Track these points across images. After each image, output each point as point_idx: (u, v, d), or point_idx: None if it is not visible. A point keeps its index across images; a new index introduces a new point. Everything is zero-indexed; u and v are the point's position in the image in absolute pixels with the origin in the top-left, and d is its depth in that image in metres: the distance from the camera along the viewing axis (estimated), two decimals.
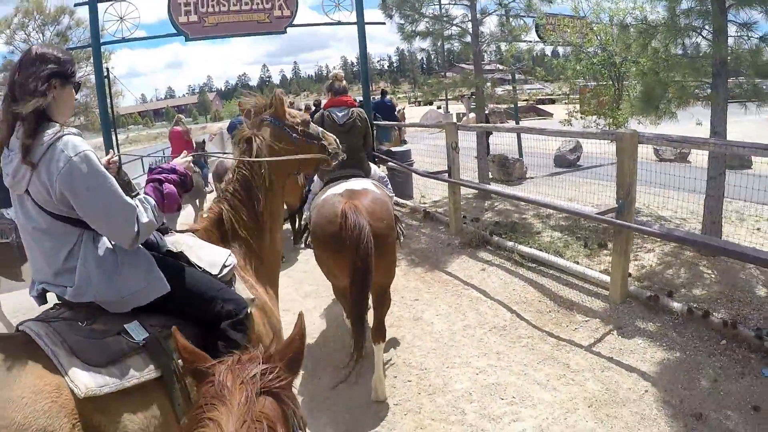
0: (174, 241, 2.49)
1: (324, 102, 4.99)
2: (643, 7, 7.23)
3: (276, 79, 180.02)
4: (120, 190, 2.08)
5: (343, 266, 3.79)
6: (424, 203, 10.16)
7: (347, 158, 3.74)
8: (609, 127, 7.84)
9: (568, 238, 7.12)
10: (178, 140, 11.91)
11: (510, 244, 6.86)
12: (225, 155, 5.15)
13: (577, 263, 6.14)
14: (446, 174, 7.93)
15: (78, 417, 1.78)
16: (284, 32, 10.45)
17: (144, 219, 2.13)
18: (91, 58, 10.11)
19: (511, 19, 10.27)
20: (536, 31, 11.92)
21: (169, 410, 2.04)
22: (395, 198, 10.27)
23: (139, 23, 9.45)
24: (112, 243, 2.14)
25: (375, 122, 12.20)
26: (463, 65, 31.50)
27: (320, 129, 3.36)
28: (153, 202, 2.27)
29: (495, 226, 7.86)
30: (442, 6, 10.08)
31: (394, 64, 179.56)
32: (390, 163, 10.40)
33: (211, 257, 2.51)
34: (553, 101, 44.87)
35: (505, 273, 6.26)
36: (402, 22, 9.99)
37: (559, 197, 8.50)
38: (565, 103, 42.89)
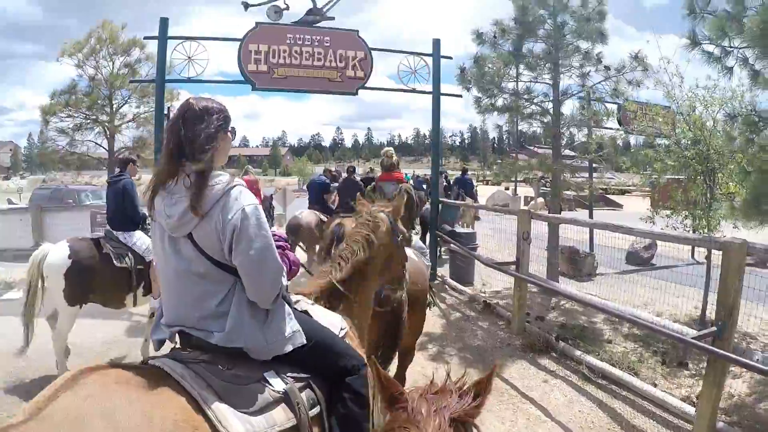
0: (296, 301, 2.55)
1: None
2: (743, 96, 6.65)
3: (348, 143, 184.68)
4: (275, 249, 2.21)
5: (380, 321, 3.81)
6: (485, 292, 9.56)
7: None
8: (698, 230, 7.12)
9: (643, 352, 6.39)
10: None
11: (578, 353, 6.17)
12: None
13: (655, 385, 5.40)
14: (513, 266, 7.38)
15: None
16: (356, 93, 10.29)
17: (285, 281, 2.27)
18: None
19: (593, 104, 9.86)
20: (617, 118, 11.43)
21: None
22: (455, 284, 9.81)
23: (206, 65, 9.36)
24: None
25: (442, 200, 11.84)
26: (535, 148, 31.12)
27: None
28: (284, 267, 2.32)
29: (561, 329, 7.19)
30: (523, 82, 9.77)
31: (466, 141, 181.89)
32: (452, 246, 9.95)
33: (328, 319, 2.60)
34: (623, 192, 43.63)
35: (570, 388, 5.56)
36: (479, 95, 9.73)
37: (633, 301, 7.79)
38: (637, 195, 41.63)
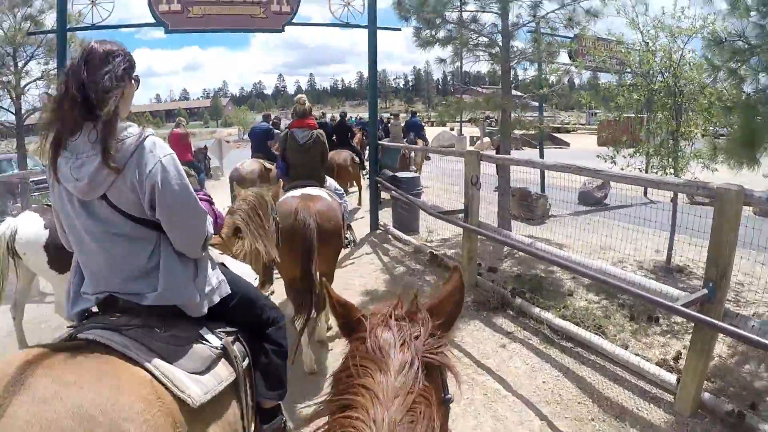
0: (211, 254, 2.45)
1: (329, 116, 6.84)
2: (714, 25, 5.87)
3: (291, 90, 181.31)
4: (196, 195, 2.13)
5: (295, 255, 4.42)
6: (431, 242, 8.77)
7: (306, 172, 5.34)
8: (663, 171, 6.43)
9: (608, 304, 5.72)
10: (177, 143, 11.44)
11: (537, 311, 5.44)
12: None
13: (627, 347, 4.74)
14: (462, 215, 6.55)
15: (181, 426, 1.74)
16: (282, 30, 8.93)
17: (210, 229, 2.20)
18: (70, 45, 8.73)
19: (544, 37, 8.94)
20: (570, 52, 10.52)
21: (240, 410, 2.14)
22: (399, 233, 8.96)
23: (112, 8, 8.05)
24: None
25: (381, 143, 10.85)
26: (480, 89, 30.16)
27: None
28: (210, 217, 2.24)
29: (517, 281, 6.46)
30: (469, 12, 8.71)
31: (410, 83, 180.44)
32: (393, 192, 9.05)
33: (241, 269, 2.65)
34: (568, 131, 43.57)
35: (531, 354, 4.83)
36: (419, 25, 8.64)
37: (591, 244, 7.11)
38: (582, 134, 41.61)
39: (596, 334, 4.97)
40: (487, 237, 6.09)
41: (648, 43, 6.80)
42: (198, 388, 1.88)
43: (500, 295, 5.93)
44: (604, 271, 4.64)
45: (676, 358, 4.57)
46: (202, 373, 1.96)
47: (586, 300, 5.87)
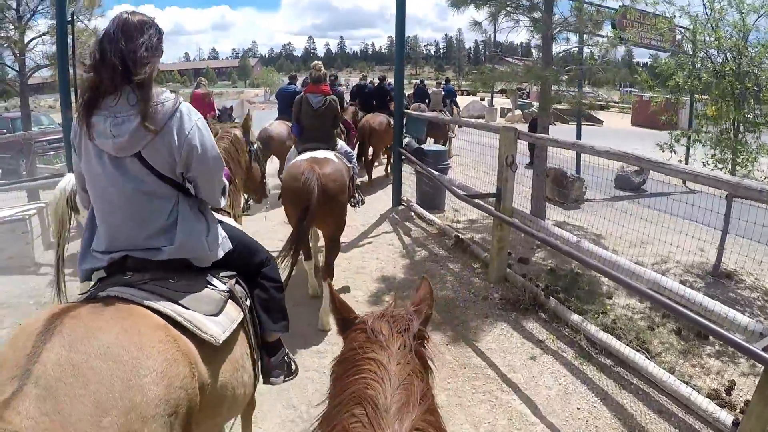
0: None
1: (350, 80, 8.73)
2: None
3: (321, 52, 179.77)
4: None
5: (297, 213, 4.77)
6: (457, 222, 8.17)
7: (319, 135, 5.61)
8: (725, 166, 5.72)
9: (652, 315, 5.12)
10: (199, 103, 11.10)
11: (574, 318, 4.85)
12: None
13: (673, 372, 4.14)
14: (493, 200, 5.93)
15: (196, 365, 1.86)
16: None
17: (225, 180, 2.53)
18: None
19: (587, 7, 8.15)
20: (613, 22, 9.58)
21: (248, 346, 2.36)
22: (422, 211, 8.33)
23: None
24: (200, 207, 2.31)
25: (406, 111, 10.14)
26: (511, 59, 28.80)
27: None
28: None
29: (550, 277, 5.86)
30: None
31: (441, 51, 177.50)
32: (418, 167, 8.42)
33: (231, 220, 2.87)
34: (601, 108, 41.73)
35: (565, 371, 4.26)
36: None
37: (628, 237, 6.43)
38: (615, 112, 39.97)
39: (639, 350, 4.38)
40: (521, 229, 5.45)
41: (713, 17, 6.01)
42: (218, 328, 2.06)
43: (532, 294, 5.35)
44: (657, 283, 4.04)
45: (730, 389, 3.98)
46: (217, 315, 2.11)
47: (627, 306, 5.27)
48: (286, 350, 2.82)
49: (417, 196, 9.23)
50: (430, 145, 11.90)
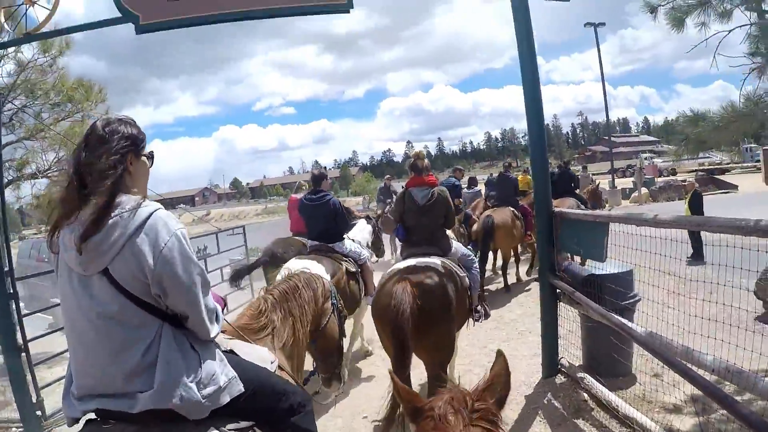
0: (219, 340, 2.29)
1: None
2: None
3: None
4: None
5: (388, 340, 4.08)
6: (656, 410, 4.68)
7: (425, 237, 4.78)
8: None
9: None
10: (296, 208, 9.37)
11: None
12: None
13: None
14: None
15: None
16: (348, 10, 5.34)
17: (214, 304, 2.11)
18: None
19: None
20: None
21: None
22: (593, 383, 4.96)
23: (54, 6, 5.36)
24: (189, 339, 1.96)
25: (559, 209, 6.20)
26: (602, 147, 25.24)
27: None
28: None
29: None
30: None
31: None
32: (591, 304, 4.85)
33: (256, 354, 2.45)
34: (723, 171, 36.83)
35: None
36: None
37: None
38: (739, 173, 34.68)
39: None
40: None
41: None
42: None
43: None
44: None
45: None
46: None
47: None
48: None
49: (584, 353, 5.61)
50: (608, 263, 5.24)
